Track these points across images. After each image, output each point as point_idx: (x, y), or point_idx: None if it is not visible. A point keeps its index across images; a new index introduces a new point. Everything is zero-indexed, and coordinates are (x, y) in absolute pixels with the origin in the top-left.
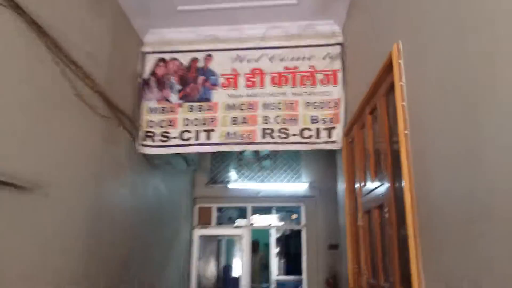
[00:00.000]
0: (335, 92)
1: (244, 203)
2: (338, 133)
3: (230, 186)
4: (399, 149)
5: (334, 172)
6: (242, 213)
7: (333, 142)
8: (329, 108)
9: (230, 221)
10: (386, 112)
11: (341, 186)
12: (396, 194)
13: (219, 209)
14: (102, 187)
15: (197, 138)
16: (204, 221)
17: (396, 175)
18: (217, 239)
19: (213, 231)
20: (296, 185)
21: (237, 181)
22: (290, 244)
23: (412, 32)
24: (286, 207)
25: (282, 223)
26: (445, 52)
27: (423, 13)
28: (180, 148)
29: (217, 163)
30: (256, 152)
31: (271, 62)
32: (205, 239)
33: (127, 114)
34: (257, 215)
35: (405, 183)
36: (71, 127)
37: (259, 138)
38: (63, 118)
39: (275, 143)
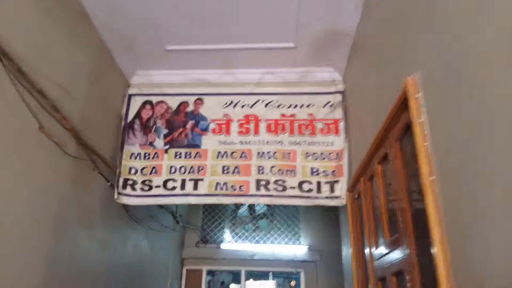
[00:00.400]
0: (337, 142)
1: (237, 266)
2: (341, 188)
3: (222, 246)
4: (423, 200)
5: (337, 234)
6: (236, 278)
7: (336, 197)
8: (331, 159)
9: (222, 286)
10: (401, 159)
11: (347, 249)
12: (420, 259)
13: (210, 273)
14: (67, 238)
15: (183, 187)
16: (193, 286)
17: (418, 236)
18: None
19: None
20: (295, 248)
21: (230, 242)
22: None
23: (430, 64)
24: (284, 273)
25: None
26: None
27: (443, 41)
28: (163, 198)
29: (208, 221)
30: (252, 210)
31: (267, 109)
32: None
33: (103, 157)
34: (252, 280)
35: (436, 246)
36: (31, 164)
37: (253, 190)
38: (20, 154)
39: (270, 196)
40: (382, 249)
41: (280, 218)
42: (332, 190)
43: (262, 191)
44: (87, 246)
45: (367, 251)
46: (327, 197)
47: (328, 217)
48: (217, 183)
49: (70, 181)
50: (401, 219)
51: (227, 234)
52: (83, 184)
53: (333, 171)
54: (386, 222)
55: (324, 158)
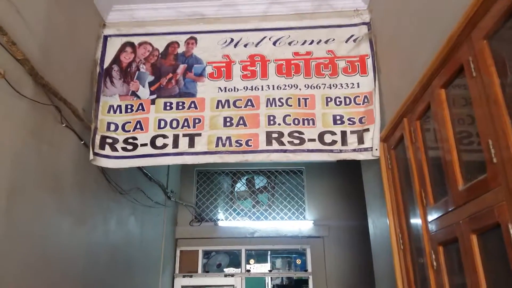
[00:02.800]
0: (364, 83)
1: (237, 245)
2: (373, 137)
3: (220, 224)
4: None
5: (346, 206)
6: (234, 259)
7: (366, 149)
8: (358, 104)
9: (219, 269)
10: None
11: (378, 217)
12: None
13: (206, 254)
14: (26, 209)
15: (175, 145)
16: (188, 269)
17: None
18: None
19: (199, 280)
20: (299, 223)
21: (228, 219)
22: None
23: None
24: (288, 250)
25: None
26: None
27: None
28: (152, 159)
29: (203, 197)
30: (251, 184)
31: (276, 47)
32: None
33: (73, 107)
34: (252, 260)
35: None
36: None
37: (263, 145)
38: None
39: (284, 151)
40: (446, 205)
41: (282, 191)
42: (360, 140)
43: (275, 145)
44: (57, 220)
45: (416, 212)
46: (354, 150)
47: (335, 187)
48: (218, 138)
49: (28, 133)
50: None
51: (224, 211)
52: (46, 139)
53: (361, 118)
54: (457, 166)
55: (349, 103)
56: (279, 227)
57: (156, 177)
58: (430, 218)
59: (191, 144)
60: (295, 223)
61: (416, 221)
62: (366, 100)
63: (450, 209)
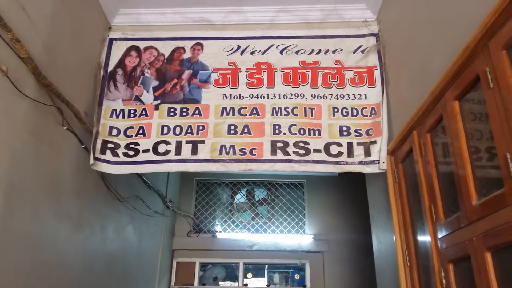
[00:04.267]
0: (372, 94)
1: (234, 258)
2: (380, 150)
3: (218, 236)
4: None
5: (347, 221)
6: (230, 273)
7: (373, 162)
8: (365, 116)
9: (215, 282)
10: None
11: (383, 233)
12: None
13: (203, 266)
14: (23, 211)
15: (178, 151)
16: (184, 281)
17: None
18: None
19: None
20: (298, 237)
21: (226, 231)
22: None
23: None
24: (287, 265)
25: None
26: None
27: None
28: (153, 165)
29: (202, 208)
30: (250, 196)
31: (283, 55)
32: None
33: (75, 109)
34: (250, 274)
35: None
36: None
37: (267, 154)
38: None
39: (290, 161)
40: (457, 221)
41: (283, 204)
42: (367, 153)
43: (279, 155)
44: (54, 224)
45: (425, 228)
46: (361, 162)
47: (336, 202)
48: (222, 146)
49: (28, 133)
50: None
51: (222, 223)
52: (47, 140)
53: (368, 130)
54: (470, 180)
55: (356, 115)
56: (278, 240)
57: (155, 186)
58: (440, 234)
59: (194, 151)
60: (295, 237)
61: (424, 237)
62: (373, 112)
63: (462, 225)
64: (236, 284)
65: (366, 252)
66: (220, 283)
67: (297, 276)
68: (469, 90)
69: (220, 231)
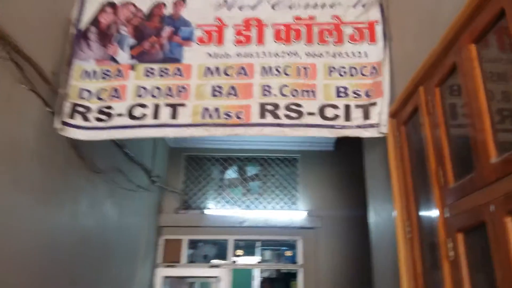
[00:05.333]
0: (373, 52)
1: (224, 235)
2: (380, 112)
3: (207, 213)
4: None
5: (341, 196)
6: (221, 251)
7: (372, 125)
8: (365, 75)
9: (206, 260)
10: None
11: (378, 202)
12: None
13: (192, 245)
14: None
15: (156, 115)
16: (171, 258)
17: None
18: (187, 282)
19: (183, 271)
20: (291, 214)
21: (216, 207)
22: None
23: None
24: (278, 241)
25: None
26: None
27: None
28: (128, 131)
29: (191, 183)
30: (242, 171)
31: (275, 10)
32: (172, 281)
33: (38, 67)
34: (240, 251)
35: None
36: None
37: (255, 118)
38: None
39: (280, 125)
40: (471, 183)
41: (275, 180)
42: (366, 116)
43: (269, 118)
44: (11, 196)
45: (429, 195)
46: (359, 126)
47: (330, 176)
48: (205, 109)
49: None
50: None
51: (212, 199)
52: (1, 100)
53: (368, 91)
54: (489, 134)
55: (355, 74)
56: (270, 217)
57: (139, 159)
58: (448, 200)
59: (174, 115)
60: (287, 213)
61: (428, 205)
62: (374, 71)
63: (477, 188)
64: (226, 261)
65: (361, 228)
66: (211, 261)
67: (288, 253)
68: (489, 30)
69: (209, 208)
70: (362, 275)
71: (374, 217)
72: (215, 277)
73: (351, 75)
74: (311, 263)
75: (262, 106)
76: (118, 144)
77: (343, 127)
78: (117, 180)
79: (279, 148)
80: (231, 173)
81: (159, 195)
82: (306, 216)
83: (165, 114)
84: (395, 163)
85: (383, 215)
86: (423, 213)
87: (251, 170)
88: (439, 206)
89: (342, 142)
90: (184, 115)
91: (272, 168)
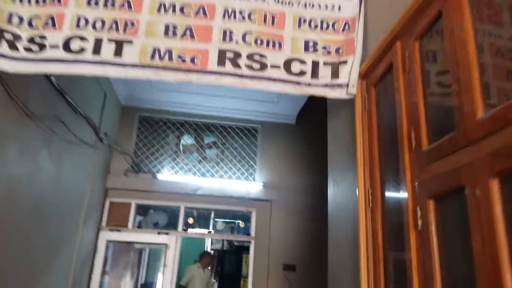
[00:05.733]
0: (348, 6)
1: (176, 201)
2: (351, 71)
3: (159, 178)
4: None
5: (300, 170)
6: (173, 220)
7: (340, 85)
8: (336, 31)
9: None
10: None
11: (338, 171)
12: None
13: (142, 211)
14: None
15: (97, 51)
16: (118, 222)
17: None
18: (135, 248)
19: (129, 236)
20: (247, 184)
21: (169, 173)
22: (227, 262)
23: None
24: (232, 212)
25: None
26: None
27: None
28: (63, 65)
29: (144, 146)
30: (199, 138)
31: None
32: (118, 246)
33: None
34: (191, 219)
35: None
36: None
37: (213, 65)
38: None
39: (240, 76)
40: (450, 143)
41: (234, 149)
42: (335, 74)
43: (228, 67)
44: None
45: (398, 161)
46: (326, 85)
47: (293, 150)
48: (156, 50)
49: None
50: None
51: (166, 164)
52: None
53: (339, 48)
54: (477, 86)
55: (325, 28)
56: (226, 186)
57: (85, 112)
58: (420, 164)
59: (118, 52)
60: (244, 184)
61: (395, 172)
62: (347, 27)
63: (458, 148)
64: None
65: (318, 203)
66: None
67: (242, 225)
68: None
69: (162, 173)
70: (318, 248)
71: (333, 188)
72: (163, 244)
73: (322, 28)
74: (264, 236)
75: (222, 53)
76: (58, 89)
77: (309, 84)
78: (56, 130)
79: (239, 116)
80: (187, 139)
81: (108, 155)
82: (262, 188)
83: (107, 50)
84: (361, 128)
85: (344, 184)
86: (389, 181)
87: (209, 138)
88: (408, 172)
89: (304, 116)
90: (130, 54)
91: (231, 137)
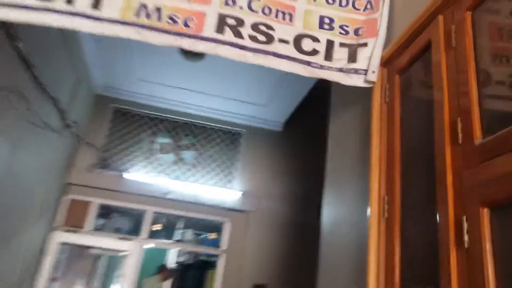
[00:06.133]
0: None
1: (143, 204)
2: (371, 56)
3: (126, 176)
4: None
5: (284, 183)
6: (137, 226)
7: (357, 71)
8: (357, 9)
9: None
10: None
11: (337, 176)
12: None
13: (104, 214)
14: None
15: (70, 0)
16: (75, 223)
17: None
18: (92, 253)
19: (86, 239)
20: (225, 192)
21: (139, 172)
22: (189, 277)
23: None
24: (204, 221)
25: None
26: None
27: None
28: (27, 13)
29: (116, 139)
30: (177, 137)
31: None
32: (73, 250)
33: None
34: (158, 226)
35: None
36: None
37: (210, 31)
38: None
39: (242, 47)
40: None
41: (214, 152)
42: (352, 58)
43: (228, 35)
44: None
45: (428, 161)
46: (341, 70)
47: (277, 160)
48: (142, 6)
49: None
50: None
51: (137, 162)
52: None
53: (358, 29)
54: None
55: (345, 5)
56: (200, 192)
57: (53, 93)
58: (470, 161)
59: (96, 4)
60: (220, 191)
61: (427, 174)
62: (369, 6)
63: None
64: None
65: (303, 217)
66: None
67: (212, 236)
68: None
69: (131, 172)
70: (295, 266)
71: (331, 196)
72: (124, 251)
73: (341, 5)
74: (236, 250)
75: (222, 18)
76: (26, 60)
77: (321, 66)
78: (15, 105)
79: (223, 118)
80: (164, 137)
81: (73, 146)
82: (240, 198)
83: (82, 1)
84: (379, 124)
85: (345, 193)
86: (414, 186)
87: (188, 138)
88: (449, 172)
89: (292, 124)
90: (111, 7)
91: (212, 139)
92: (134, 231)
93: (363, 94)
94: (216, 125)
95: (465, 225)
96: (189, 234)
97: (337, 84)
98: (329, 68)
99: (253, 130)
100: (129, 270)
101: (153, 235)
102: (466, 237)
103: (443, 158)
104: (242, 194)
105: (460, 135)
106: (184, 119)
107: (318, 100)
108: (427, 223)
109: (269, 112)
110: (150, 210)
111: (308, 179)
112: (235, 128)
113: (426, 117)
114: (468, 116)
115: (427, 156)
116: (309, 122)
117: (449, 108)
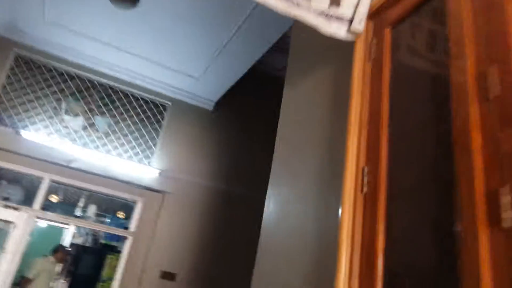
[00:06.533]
0: None
1: (39, 170)
2: (358, 3)
3: (24, 135)
4: None
5: (209, 165)
6: (30, 196)
7: (340, 18)
8: None
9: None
10: None
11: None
12: None
13: None
14: None
15: None
16: None
17: None
18: None
19: None
20: (139, 168)
21: (40, 132)
22: (85, 261)
23: None
24: (112, 198)
25: (94, 221)
26: None
27: None
28: None
29: (13, 91)
30: (90, 98)
31: None
32: None
33: None
34: (55, 197)
35: None
36: None
37: None
38: None
39: None
40: None
41: (132, 123)
42: (335, 2)
43: None
44: None
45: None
46: (322, 13)
47: (204, 141)
48: None
49: None
50: None
51: (38, 121)
52: None
53: None
54: None
55: None
56: (111, 165)
57: None
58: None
59: None
60: (135, 166)
61: (429, 144)
62: None
63: None
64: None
65: (224, 204)
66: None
67: (120, 215)
68: None
69: (29, 130)
70: (211, 257)
71: (279, 173)
72: (10, 222)
73: None
74: (146, 233)
75: None
76: None
77: (298, 5)
78: None
79: (147, 86)
80: (74, 97)
81: None
82: (157, 176)
83: None
84: (361, 83)
85: (302, 169)
86: (410, 155)
87: (103, 102)
88: (476, 134)
89: (223, 104)
90: None
91: (132, 107)
92: (25, 201)
93: (330, 54)
94: (138, 91)
95: (503, 201)
96: (92, 211)
97: (298, 41)
98: (307, 9)
99: (180, 105)
100: (14, 245)
101: (48, 208)
102: (503, 215)
103: (466, 118)
104: (160, 173)
105: (493, 89)
106: (100, 79)
107: (254, 84)
108: (431, 199)
109: (201, 87)
110: (47, 178)
111: (237, 166)
112: (160, 99)
113: (429, 74)
114: (505, 66)
115: (432, 120)
116: (243, 107)
117: (475, 58)
